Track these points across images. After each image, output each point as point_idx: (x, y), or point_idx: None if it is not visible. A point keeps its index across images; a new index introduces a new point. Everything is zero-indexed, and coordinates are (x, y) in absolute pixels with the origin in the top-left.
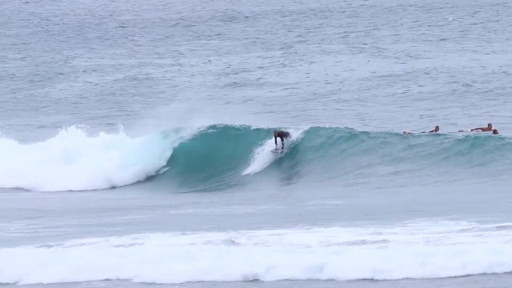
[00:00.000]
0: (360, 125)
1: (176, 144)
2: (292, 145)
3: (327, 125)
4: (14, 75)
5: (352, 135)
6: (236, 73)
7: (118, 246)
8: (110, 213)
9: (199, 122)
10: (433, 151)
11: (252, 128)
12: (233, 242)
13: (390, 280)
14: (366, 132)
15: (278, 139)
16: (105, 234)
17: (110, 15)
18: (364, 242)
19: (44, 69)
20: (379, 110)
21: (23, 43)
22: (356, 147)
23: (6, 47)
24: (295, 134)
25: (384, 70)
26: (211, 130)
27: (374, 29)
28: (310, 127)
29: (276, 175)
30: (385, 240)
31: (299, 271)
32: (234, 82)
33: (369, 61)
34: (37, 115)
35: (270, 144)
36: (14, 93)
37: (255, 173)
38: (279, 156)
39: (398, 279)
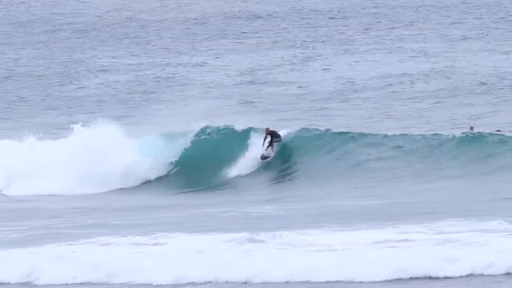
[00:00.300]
0: (388, 124)
1: (181, 146)
2: (284, 147)
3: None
4: (35, 73)
5: (360, 136)
6: (258, 72)
7: (138, 245)
8: (121, 213)
9: (203, 124)
10: (440, 148)
11: (253, 129)
12: (255, 243)
13: (415, 279)
14: (373, 133)
15: (268, 139)
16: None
17: (133, 15)
18: (387, 243)
19: (64, 68)
20: (405, 109)
21: (45, 42)
22: (366, 146)
23: (30, 45)
24: (283, 133)
25: (406, 69)
26: (216, 131)
27: (395, 28)
28: (306, 128)
29: (289, 173)
30: (406, 239)
31: (321, 272)
32: (255, 81)
33: (390, 60)
34: (56, 114)
35: (261, 144)
36: (36, 91)
37: (267, 172)
38: (270, 159)
39: (422, 278)
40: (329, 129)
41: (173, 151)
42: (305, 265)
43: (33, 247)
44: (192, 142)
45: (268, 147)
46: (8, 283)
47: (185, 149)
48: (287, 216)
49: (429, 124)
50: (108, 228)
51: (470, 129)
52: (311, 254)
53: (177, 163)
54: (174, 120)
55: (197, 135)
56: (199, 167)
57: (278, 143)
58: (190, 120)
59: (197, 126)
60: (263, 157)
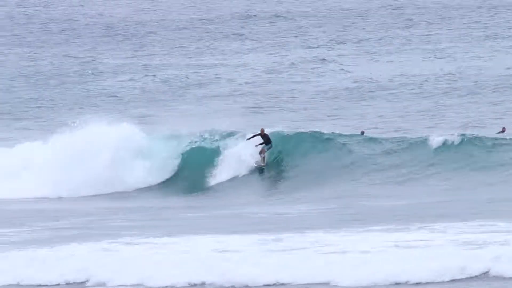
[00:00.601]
0: (411, 124)
1: (188, 147)
2: (301, 147)
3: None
4: (57, 72)
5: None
6: (278, 72)
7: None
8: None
9: (211, 127)
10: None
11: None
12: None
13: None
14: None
15: (257, 138)
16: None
17: (155, 16)
18: (410, 243)
19: (86, 68)
20: (429, 109)
21: (67, 42)
22: (383, 147)
23: (53, 44)
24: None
25: (429, 69)
26: (223, 134)
27: (418, 29)
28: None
29: (311, 172)
30: (427, 239)
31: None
32: (276, 81)
33: (411, 60)
34: (78, 113)
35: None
36: (58, 90)
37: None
38: (261, 163)
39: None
40: (363, 132)
41: (180, 153)
42: (326, 267)
43: (58, 246)
44: (198, 145)
45: (257, 145)
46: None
47: (193, 151)
48: (313, 216)
49: (455, 123)
50: (131, 229)
51: (502, 130)
52: (333, 256)
53: (184, 165)
54: (193, 120)
55: (202, 138)
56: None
57: (269, 150)
58: (207, 120)
59: (204, 129)
60: (258, 164)
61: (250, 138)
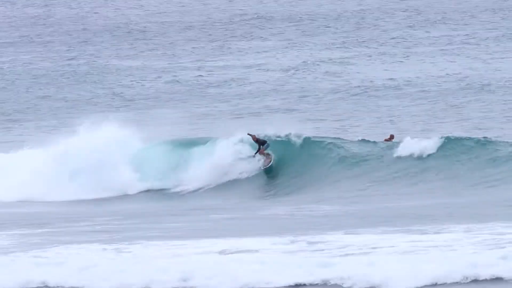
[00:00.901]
0: (432, 125)
1: (190, 149)
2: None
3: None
4: (73, 73)
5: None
6: (296, 72)
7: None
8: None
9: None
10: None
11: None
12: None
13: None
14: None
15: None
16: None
17: (170, 17)
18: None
19: (100, 68)
20: (453, 109)
21: (83, 42)
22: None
23: (63, 44)
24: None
25: (450, 70)
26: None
27: (437, 29)
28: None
29: (334, 174)
30: (446, 240)
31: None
32: (293, 82)
33: (431, 61)
34: (83, 114)
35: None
36: (77, 91)
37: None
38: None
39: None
40: (393, 136)
41: (182, 155)
42: (339, 268)
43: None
44: (201, 147)
45: (256, 153)
46: None
47: (195, 152)
48: (326, 218)
49: (474, 124)
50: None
51: None
52: (348, 257)
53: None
54: (206, 121)
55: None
56: None
57: (267, 149)
58: (219, 120)
59: (211, 131)
60: (265, 165)
61: (254, 155)
